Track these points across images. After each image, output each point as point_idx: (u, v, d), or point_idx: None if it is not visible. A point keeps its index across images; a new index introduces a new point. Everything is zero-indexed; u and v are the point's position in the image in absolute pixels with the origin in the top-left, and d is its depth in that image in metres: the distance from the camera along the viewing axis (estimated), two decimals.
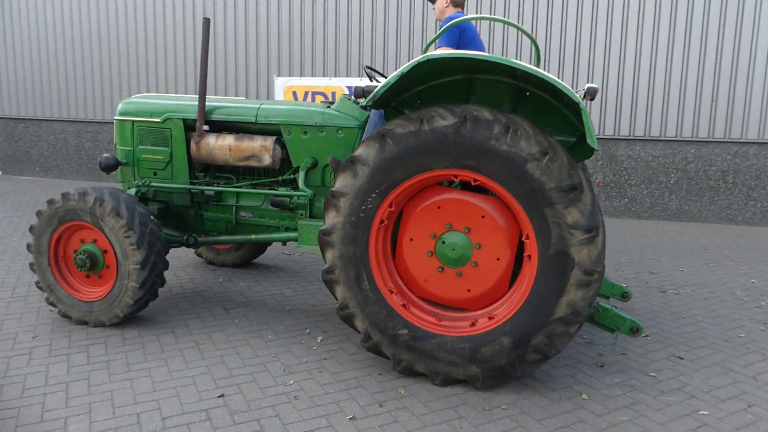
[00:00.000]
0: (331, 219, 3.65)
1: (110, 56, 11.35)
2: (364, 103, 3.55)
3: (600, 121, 8.96)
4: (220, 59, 10.62)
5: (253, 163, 4.63)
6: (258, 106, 4.72)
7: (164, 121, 4.83)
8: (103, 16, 11.26)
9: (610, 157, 9.05)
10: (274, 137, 4.59)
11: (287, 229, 4.77)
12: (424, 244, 3.67)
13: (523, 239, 3.47)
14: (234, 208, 4.87)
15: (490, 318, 3.55)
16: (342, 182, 3.61)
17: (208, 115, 4.75)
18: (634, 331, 3.84)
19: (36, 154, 12.17)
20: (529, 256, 3.43)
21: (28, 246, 4.49)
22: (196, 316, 4.76)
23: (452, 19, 4.26)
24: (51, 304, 4.53)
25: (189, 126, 4.84)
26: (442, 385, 3.64)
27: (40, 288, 4.53)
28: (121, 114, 4.98)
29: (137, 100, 5.03)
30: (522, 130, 3.27)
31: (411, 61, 3.36)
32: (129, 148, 4.98)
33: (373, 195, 3.56)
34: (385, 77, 4.53)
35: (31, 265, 4.52)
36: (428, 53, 3.33)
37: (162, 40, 10.99)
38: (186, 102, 4.90)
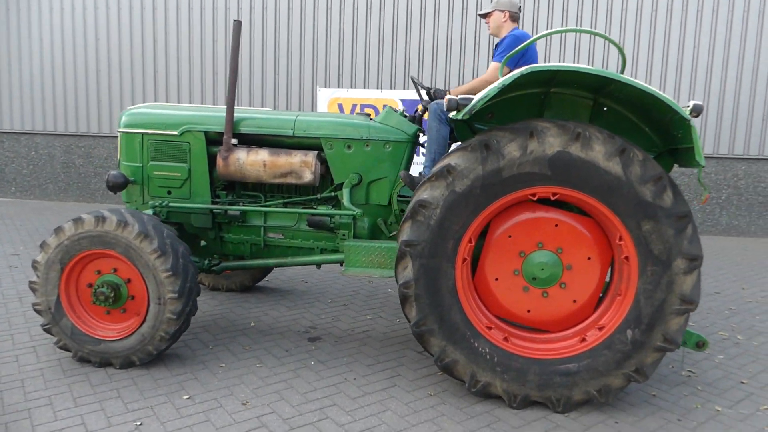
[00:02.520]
0: (416, 230, 3.41)
1: (109, 63, 10.13)
2: (459, 117, 3.33)
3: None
4: (256, 69, 9.86)
5: (291, 180, 4.27)
6: (294, 117, 4.36)
7: (182, 134, 4.36)
8: (102, 19, 10.06)
9: None
10: (316, 152, 4.26)
11: (323, 251, 4.43)
12: (511, 278, 3.54)
13: (621, 260, 3.38)
14: (262, 228, 4.46)
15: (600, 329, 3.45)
16: (433, 192, 3.37)
17: (236, 128, 4.33)
18: (700, 345, 3.81)
19: (12, 172, 10.68)
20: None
21: (30, 285, 3.88)
22: (224, 348, 4.30)
23: (515, 35, 4.13)
24: (64, 348, 3.93)
25: (210, 139, 4.40)
26: (521, 408, 3.48)
27: (48, 331, 3.92)
28: (128, 126, 4.45)
29: (147, 111, 4.51)
30: (634, 153, 3.21)
31: (514, 72, 3.20)
32: (137, 164, 4.45)
33: (467, 209, 3.35)
34: (428, 89, 4.32)
35: (35, 308, 3.89)
36: (532, 66, 3.17)
37: (174, 46, 9.97)
38: (207, 113, 4.45)
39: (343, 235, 4.30)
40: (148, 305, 3.81)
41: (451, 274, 3.43)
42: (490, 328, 3.53)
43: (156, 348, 3.86)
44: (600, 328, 3.43)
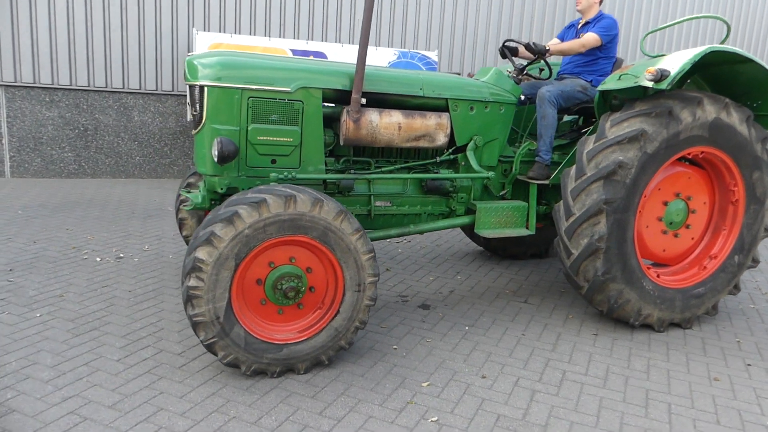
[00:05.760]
0: (613, 189, 3.75)
1: None
2: (664, 87, 3.67)
3: None
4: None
5: (422, 143, 4.02)
6: (420, 76, 4.05)
7: (295, 90, 3.66)
8: None
9: None
10: (448, 113, 4.06)
11: (429, 216, 4.31)
12: (656, 224, 4.15)
13: (731, 202, 4.24)
14: (370, 197, 4.09)
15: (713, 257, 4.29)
16: (626, 154, 3.74)
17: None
18: None
19: None
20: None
21: (190, 291, 2.95)
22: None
23: (614, 20, 4.44)
24: (233, 364, 3.12)
25: (326, 98, 3.81)
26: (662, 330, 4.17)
27: (210, 347, 3.04)
28: (220, 79, 3.53)
29: (243, 59, 3.64)
30: (752, 121, 4.07)
31: (702, 49, 3.70)
32: (234, 128, 3.59)
33: (653, 167, 3.82)
34: (527, 44, 4.40)
35: (194, 320, 2.99)
36: (715, 45, 3.72)
37: None
38: (322, 66, 3.81)
39: (461, 198, 4.27)
40: (344, 294, 3.28)
41: (633, 225, 3.88)
42: (648, 269, 4.11)
43: (348, 342, 3.37)
44: (713, 257, 4.31)
